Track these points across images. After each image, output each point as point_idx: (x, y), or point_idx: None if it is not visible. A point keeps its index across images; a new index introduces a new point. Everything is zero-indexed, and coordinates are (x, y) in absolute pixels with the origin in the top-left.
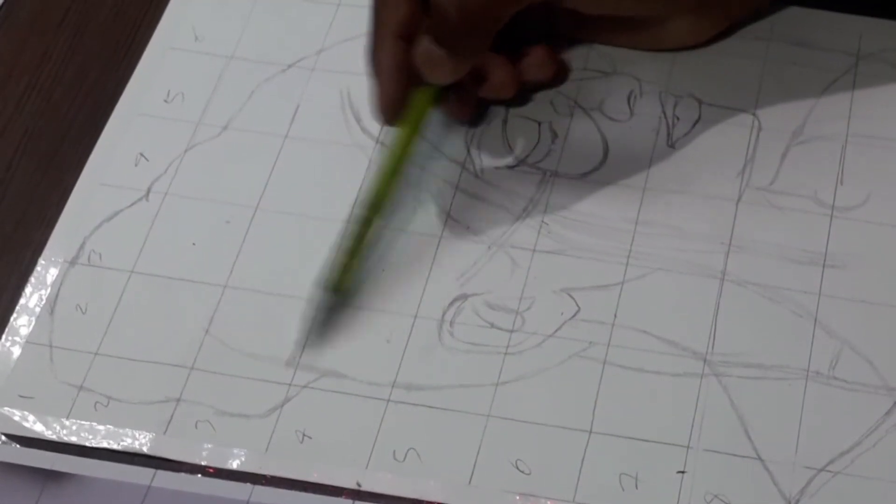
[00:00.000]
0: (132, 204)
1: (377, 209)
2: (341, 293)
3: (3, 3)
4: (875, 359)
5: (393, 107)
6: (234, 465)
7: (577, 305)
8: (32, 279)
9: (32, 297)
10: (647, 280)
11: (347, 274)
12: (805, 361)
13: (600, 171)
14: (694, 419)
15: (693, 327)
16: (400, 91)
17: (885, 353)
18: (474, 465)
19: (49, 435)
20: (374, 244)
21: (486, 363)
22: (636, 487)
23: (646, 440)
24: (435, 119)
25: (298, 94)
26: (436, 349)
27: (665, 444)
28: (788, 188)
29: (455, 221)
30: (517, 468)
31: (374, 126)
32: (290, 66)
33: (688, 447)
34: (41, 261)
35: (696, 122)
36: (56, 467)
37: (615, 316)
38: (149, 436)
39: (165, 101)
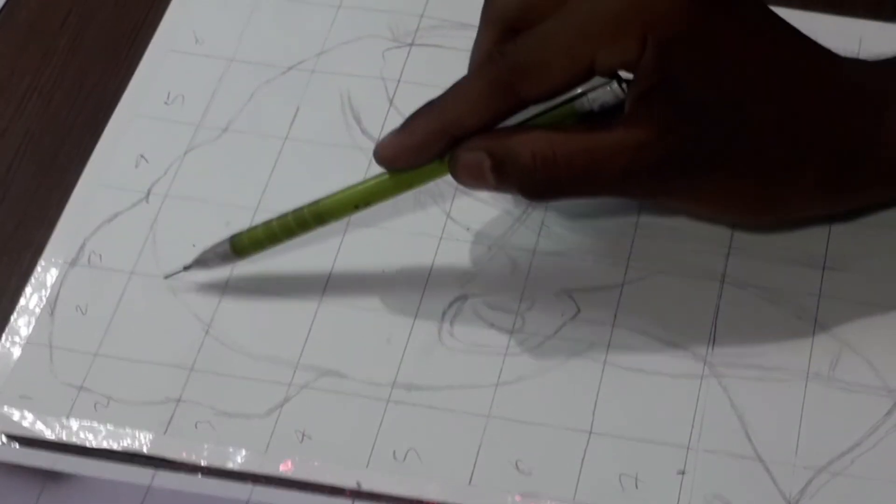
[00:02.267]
0: (132, 205)
1: (321, 221)
2: (239, 256)
3: (4, 5)
4: (875, 360)
5: (405, 157)
6: (234, 465)
7: (578, 306)
8: (32, 280)
9: (32, 298)
10: (648, 281)
11: (255, 247)
12: (805, 362)
13: None
14: (694, 420)
15: (693, 328)
16: (421, 156)
17: (885, 354)
18: (474, 466)
19: (49, 435)
20: (294, 239)
21: (486, 364)
22: (636, 488)
23: (646, 441)
24: None
25: (298, 96)
26: (436, 349)
27: (665, 444)
28: None
29: (455, 222)
30: (517, 468)
31: (374, 128)
32: (290, 69)
33: (688, 448)
34: (41, 262)
35: None
36: (56, 467)
37: (615, 317)
38: (149, 436)
39: (166, 102)
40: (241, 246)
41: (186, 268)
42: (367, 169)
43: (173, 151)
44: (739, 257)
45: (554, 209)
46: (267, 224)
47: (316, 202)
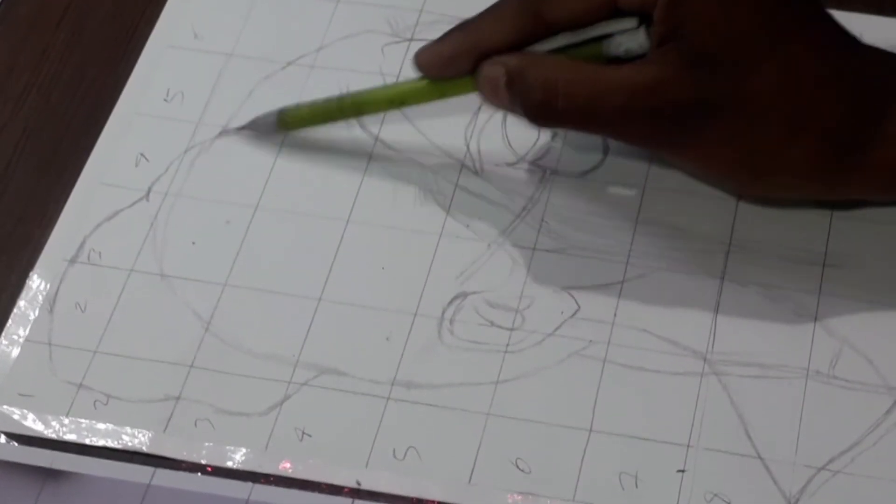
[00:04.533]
0: (132, 203)
1: (359, 111)
2: (284, 128)
3: (3, 2)
4: (875, 358)
5: (438, 65)
6: (234, 463)
7: (577, 304)
8: (32, 277)
9: (32, 296)
10: (648, 279)
11: (298, 123)
12: (805, 360)
13: (600, 169)
14: (694, 418)
15: (693, 326)
16: (453, 68)
17: (885, 352)
18: (474, 464)
19: (48, 433)
20: (335, 120)
21: (485, 361)
22: (636, 486)
23: (646, 439)
24: (434, 117)
25: (298, 92)
26: (436, 347)
27: (665, 442)
28: None
29: (455, 220)
30: (517, 467)
31: (374, 124)
32: (289, 64)
33: (688, 446)
34: (41, 259)
35: None
36: (55, 465)
37: (615, 315)
38: (148, 434)
39: (165, 100)
40: (288, 119)
41: (240, 129)
42: (367, 165)
43: (173, 149)
44: (739, 255)
45: (554, 207)
46: (312, 104)
47: (357, 93)
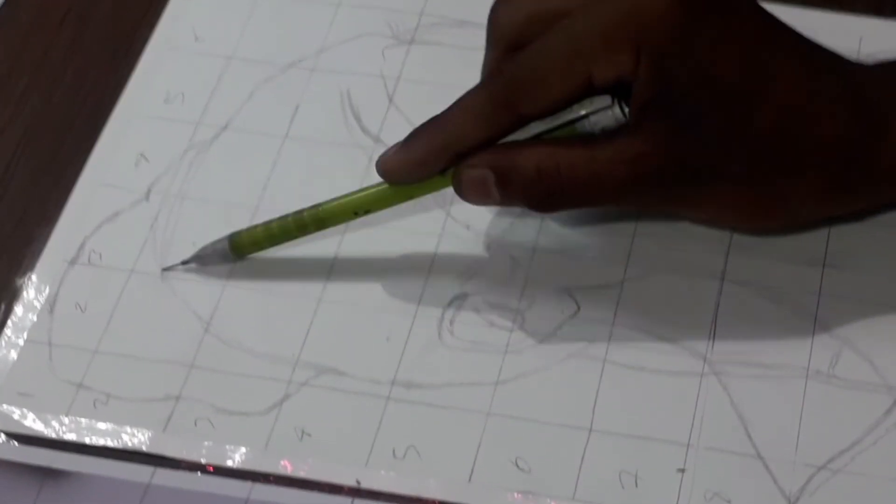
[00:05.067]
0: (132, 204)
1: (320, 226)
2: (237, 255)
3: (4, 3)
4: (875, 357)
5: (406, 171)
6: (234, 462)
7: (577, 304)
8: (32, 278)
9: (32, 296)
10: (648, 279)
11: (253, 247)
12: (805, 360)
13: None
14: (694, 417)
15: (693, 326)
16: (423, 171)
17: (885, 352)
18: (474, 463)
19: (48, 433)
20: (292, 241)
21: (486, 361)
22: (636, 485)
23: (646, 438)
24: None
25: (298, 95)
26: (436, 347)
27: (665, 442)
28: None
29: (455, 220)
30: (517, 466)
31: (374, 126)
32: (289, 67)
33: (688, 445)
34: (41, 260)
35: None
36: (55, 465)
37: (615, 315)
38: (148, 433)
39: (165, 101)
40: (240, 245)
41: (184, 262)
42: (366, 167)
43: (173, 150)
44: (739, 255)
45: None
46: (267, 225)
47: (316, 206)
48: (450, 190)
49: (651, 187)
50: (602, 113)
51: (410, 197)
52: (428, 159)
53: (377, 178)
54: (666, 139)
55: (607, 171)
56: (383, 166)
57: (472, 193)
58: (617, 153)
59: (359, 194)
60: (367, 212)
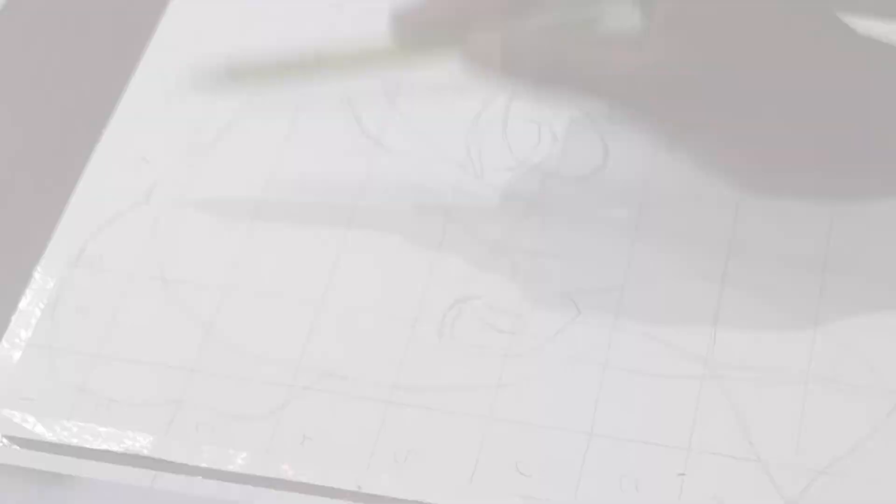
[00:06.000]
0: (133, 207)
1: (319, 65)
2: (234, 79)
3: (4, 4)
4: (875, 360)
5: (417, 21)
6: (235, 467)
7: (578, 308)
8: (33, 282)
9: (33, 300)
10: (648, 283)
11: (254, 77)
12: (805, 364)
13: (601, 172)
14: (694, 422)
15: (693, 330)
16: (436, 33)
17: (886, 355)
18: (475, 468)
19: (50, 437)
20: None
21: (486, 365)
22: (636, 490)
23: (646, 443)
24: (435, 121)
25: (299, 96)
26: (436, 351)
27: (665, 446)
28: None
29: (455, 224)
30: (518, 470)
31: (374, 127)
32: None
33: (688, 450)
34: (42, 263)
35: None
36: (56, 469)
37: (615, 319)
38: (150, 438)
39: (166, 103)
40: (239, 67)
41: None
42: (367, 169)
43: (174, 152)
44: (739, 259)
45: (554, 211)
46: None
47: (319, 47)
48: (450, 195)
49: (653, 92)
50: (622, 14)
51: (411, 62)
52: (441, 22)
53: (379, 184)
54: (679, 51)
55: (614, 65)
56: (396, 21)
57: (476, 60)
58: (627, 52)
59: (362, 45)
60: (366, 63)
